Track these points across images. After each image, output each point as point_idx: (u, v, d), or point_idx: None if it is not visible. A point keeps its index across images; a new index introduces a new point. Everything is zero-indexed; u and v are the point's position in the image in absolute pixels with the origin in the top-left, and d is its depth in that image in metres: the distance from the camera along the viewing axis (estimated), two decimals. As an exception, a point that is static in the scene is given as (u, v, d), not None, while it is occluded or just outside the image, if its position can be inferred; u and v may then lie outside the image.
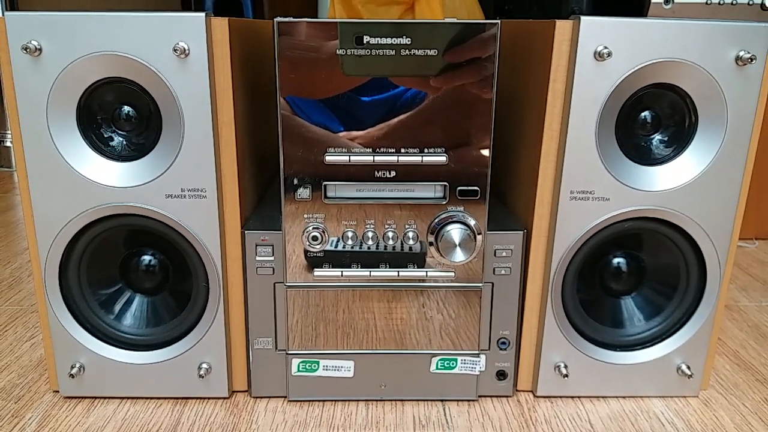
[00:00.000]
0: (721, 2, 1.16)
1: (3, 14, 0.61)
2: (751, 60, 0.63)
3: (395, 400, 0.73)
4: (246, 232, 0.68)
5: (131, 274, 0.71)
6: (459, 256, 0.66)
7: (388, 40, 0.61)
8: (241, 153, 0.67)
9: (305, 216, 0.66)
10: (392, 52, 0.61)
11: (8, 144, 1.94)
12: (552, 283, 0.69)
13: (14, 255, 1.18)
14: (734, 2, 1.17)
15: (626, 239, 0.71)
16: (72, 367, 0.70)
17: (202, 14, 0.60)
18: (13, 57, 0.61)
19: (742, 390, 0.76)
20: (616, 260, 0.72)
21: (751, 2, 1.17)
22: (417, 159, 0.64)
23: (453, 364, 0.72)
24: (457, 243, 0.65)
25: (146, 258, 0.70)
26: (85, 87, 0.63)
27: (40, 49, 0.60)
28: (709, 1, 1.16)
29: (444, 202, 0.66)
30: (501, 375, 0.73)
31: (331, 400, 0.73)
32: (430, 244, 0.67)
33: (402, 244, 0.67)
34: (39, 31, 0.60)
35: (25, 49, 0.60)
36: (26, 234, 0.67)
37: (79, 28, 0.60)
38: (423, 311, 0.70)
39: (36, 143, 0.63)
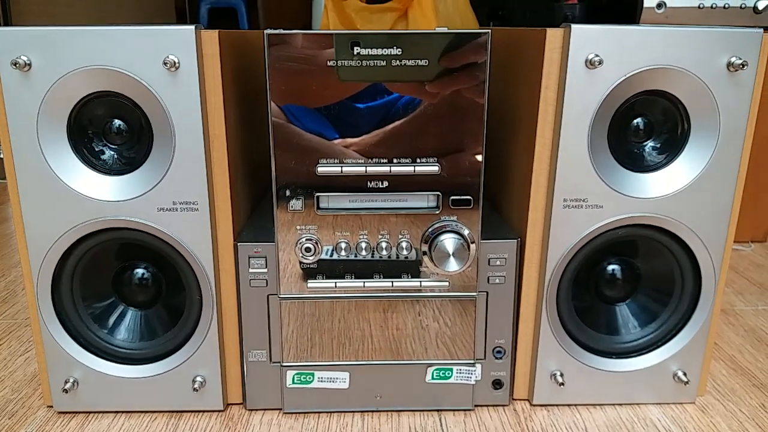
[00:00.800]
0: (714, 6, 1.17)
1: (-8, 29, 0.61)
2: (743, 66, 0.63)
3: (391, 411, 0.73)
4: (238, 244, 0.67)
5: (124, 287, 0.71)
6: (453, 265, 0.66)
7: (380, 51, 0.61)
8: (233, 165, 0.67)
9: (298, 227, 0.66)
10: (383, 63, 0.61)
11: (1, 155, 1.94)
12: (546, 292, 0.69)
13: (8, 268, 1.17)
14: (726, 6, 1.17)
15: (620, 246, 0.71)
16: (66, 382, 0.70)
17: (192, 27, 0.60)
18: (2, 72, 0.61)
19: (738, 396, 0.76)
20: (610, 267, 0.72)
21: (743, 6, 1.17)
22: (409, 169, 0.64)
23: (449, 373, 0.72)
24: (450, 252, 0.65)
25: (139, 272, 0.70)
26: (75, 101, 0.63)
27: (30, 64, 0.60)
28: (701, 5, 1.16)
29: (437, 212, 0.66)
30: (497, 384, 0.73)
31: (327, 412, 0.72)
32: (424, 253, 0.67)
33: (396, 253, 0.67)
34: (28, 46, 0.60)
35: (15, 65, 0.60)
36: (18, 249, 0.67)
37: (68, 43, 0.60)
38: (419, 320, 0.70)
39: (27, 158, 0.63)
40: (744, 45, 0.62)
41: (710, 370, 0.81)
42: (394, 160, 0.64)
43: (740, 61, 0.62)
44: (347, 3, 1.52)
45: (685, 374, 0.72)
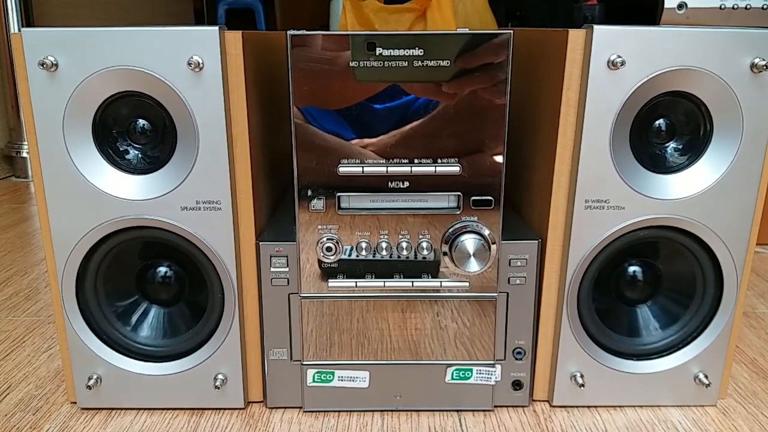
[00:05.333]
0: (735, 7, 1.16)
1: (20, 30, 0.62)
2: (767, 67, 0.62)
3: (410, 411, 0.73)
4: (260, 243, 0.68)
5: (147, 285, 0.71)
6: (473, 266, 0.66)
7: (401, 52, 0.61)
8: (255, 165, 0.67)
9: (319, 227, 0.66)
10: (405, 64, 0.61)
11: (25, 155, 1.96)
12: (567, 293, 0.69)
13: (31, 266, 1.19)
14: (748, 6, 1.16)
15: (641, 248, 0.71)
16: (89, 379, 0.70)
17: (216, 28, 0.60)
18: (30, 72, 0.62)
19: (760, 399, 0.75)
20: (631, 269, 0.72)
21: (765, 6, 1.16)
22: (430, 169, 0.64)
23: (468, 374, 0.72)
24: (471, 253, 0.65)
25: (162, 270, 0.71)
26: (100, 101, 0.63)
27: (57, 65, 0.61)
28: (722, 6, 1.16)
29: (458, 212, 0.66)
30: (517, 385, 0.73)
31: (347, 411, 0.73)
32: (444, 254, 0.67)
33: (416, 254, 0.67)
34: (55, 46, 0.61)
35: (42, 65, 0.61)
36: (43, 246, 0.68)
37: (94, 44, 0.61)
38: (437, 320, 0.70)
39: (53, 157, 0.64)
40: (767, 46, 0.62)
41: (732, 373, 0.80)
42: (415, 161, 0.64)
43: (764, 62, 0.62)
44: (365, 3, 1.52)
45: (706, 377, 0.72)
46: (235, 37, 0.62)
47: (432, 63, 0.61)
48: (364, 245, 0.67)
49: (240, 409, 0.73)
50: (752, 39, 0.62)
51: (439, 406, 0.73)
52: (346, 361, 0.71)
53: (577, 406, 0.73)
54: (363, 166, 0.64)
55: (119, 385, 0.71)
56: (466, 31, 0.61)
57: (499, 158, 0.64)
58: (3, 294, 1.06)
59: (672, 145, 0.67)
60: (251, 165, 0.66)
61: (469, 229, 0.66)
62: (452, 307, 0.70)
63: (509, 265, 0.69)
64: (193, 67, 0.61)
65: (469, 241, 0.65)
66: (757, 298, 1.05)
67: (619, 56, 0.61)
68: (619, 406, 0.73)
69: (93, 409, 0.73)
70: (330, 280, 0.68)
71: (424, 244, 0.67)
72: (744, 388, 0.78)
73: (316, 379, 0.72)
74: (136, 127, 0.65)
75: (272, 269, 0.68)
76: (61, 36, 0.61)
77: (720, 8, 1.14)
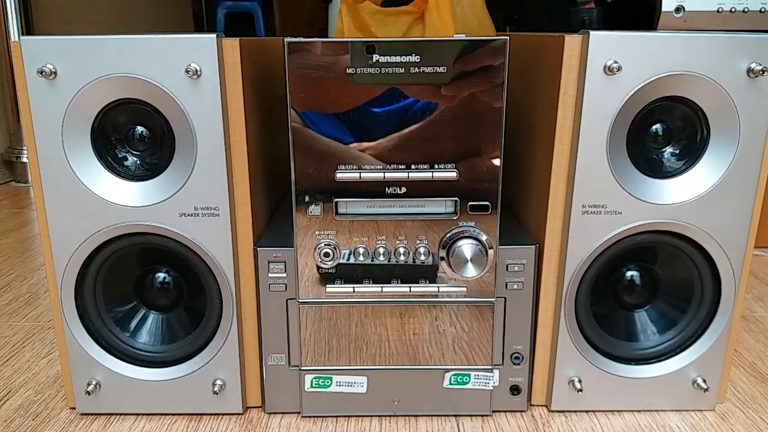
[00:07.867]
0: (733, 10, 1.16)
1: (19, 38, 0.62)
2: (763, 72, 0.62)
3: (408, 416, 0.73)
4: (258, 249, 0.68)
5: (146, 291, 0.72)
6: (471, 271, 0.66)
7: (398, 58, 0.61)
8: (253, 171, 0.68)
9: (317, 232, 0.67)
10: (402, 70, 0.61)
11: (25, 160, 1.97)
12: (565, 297, 0.69)
13: (31, 271, 1.19)
14: (746, 9, 1.16)
15: (639, 252, 0.71)
16: (88, 384, 0.71)
17: (213, 35, 0.61)
18: (29, 80, 0.62)
19: (759, 403, 0.76)
20: (629, 273, 0.72)
21: (763, 9, 1.16)
22: (427, 175, 0.64)
23: (466, 379, 0.72)
24: (468, 258, 0.65)
25: (160, 276, 0.71)
26: (99, 108, 0.64)
27: (55, 72, 0.61)
28: (720, 9, 1.16)
29: (455, 217, 0.66)
30: (515, 390, 0.73)
31: (345, 416, 0.73)
32: (442, 259, 0.67)
33: (414, 259, 0.67)
34: (54, 54, 0.61)
35: (41, 73, 0.61)
36: (42, 252, 0.68)
37: (93, 51, 0.61)
38: (435, 324, 0.70)
39: (52, 164, 0.64)
40: (764, 51, 0.62)
41: (730, 377, 0.80)
42: (412, 166, 0.64)
43: (760, 67, 0.62)
44: (362, 6, 1.52)
45: (704, 381, 0.72)
46: (232, 45, 0.62)
47: (429, 69, 0.61)
48: (361, 250, 0.67)
49: (238, 414, 0.73)
50: (748, 44, 0.62)
51: (437, 411, 0.73)
52: (344, 366, 0.71)
53: (575, 411, 0.73)
54: (360, 172, 0.64)
55: (118, 390, 0.71)
56: (463, 37, 0.61)
57: (495, 162, 0.64)
58: (3, 299, 1.06)
59: (669, 149, 0.67)
60: (249, 171, 0.66)
61: (466, 234, 0.66)
62: (450, 312, 0.70)
63: (507, 270, 0.69)
64: (191, 74, 0.61)
65: (466, 247, 0.65)
66: (756, 301, 1.06)
67: (615, 62, 0.62)
68: (618, 411, 0.73)
69: (92, 414, 0.73)
70: (328, 286, 0.68)
71: (422, 250, 0.67)
72: (743, 392, 0.78)
73: (314, 385, 0.72)
74: (135, 134, 0.65)
75: (270, 275, 0.68)
76: (60, 44, 0.61)
77: (718, 11, 1.14)
